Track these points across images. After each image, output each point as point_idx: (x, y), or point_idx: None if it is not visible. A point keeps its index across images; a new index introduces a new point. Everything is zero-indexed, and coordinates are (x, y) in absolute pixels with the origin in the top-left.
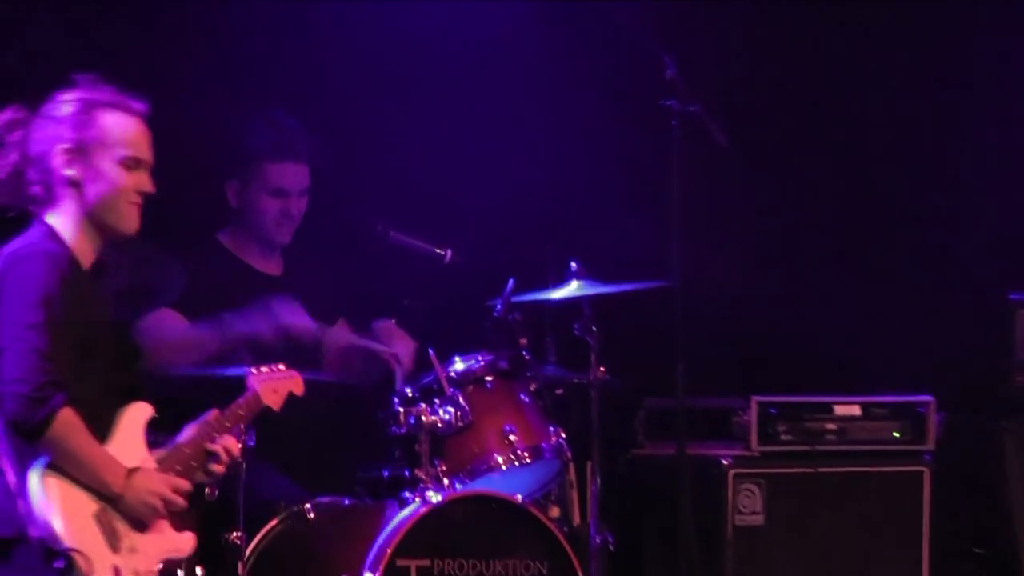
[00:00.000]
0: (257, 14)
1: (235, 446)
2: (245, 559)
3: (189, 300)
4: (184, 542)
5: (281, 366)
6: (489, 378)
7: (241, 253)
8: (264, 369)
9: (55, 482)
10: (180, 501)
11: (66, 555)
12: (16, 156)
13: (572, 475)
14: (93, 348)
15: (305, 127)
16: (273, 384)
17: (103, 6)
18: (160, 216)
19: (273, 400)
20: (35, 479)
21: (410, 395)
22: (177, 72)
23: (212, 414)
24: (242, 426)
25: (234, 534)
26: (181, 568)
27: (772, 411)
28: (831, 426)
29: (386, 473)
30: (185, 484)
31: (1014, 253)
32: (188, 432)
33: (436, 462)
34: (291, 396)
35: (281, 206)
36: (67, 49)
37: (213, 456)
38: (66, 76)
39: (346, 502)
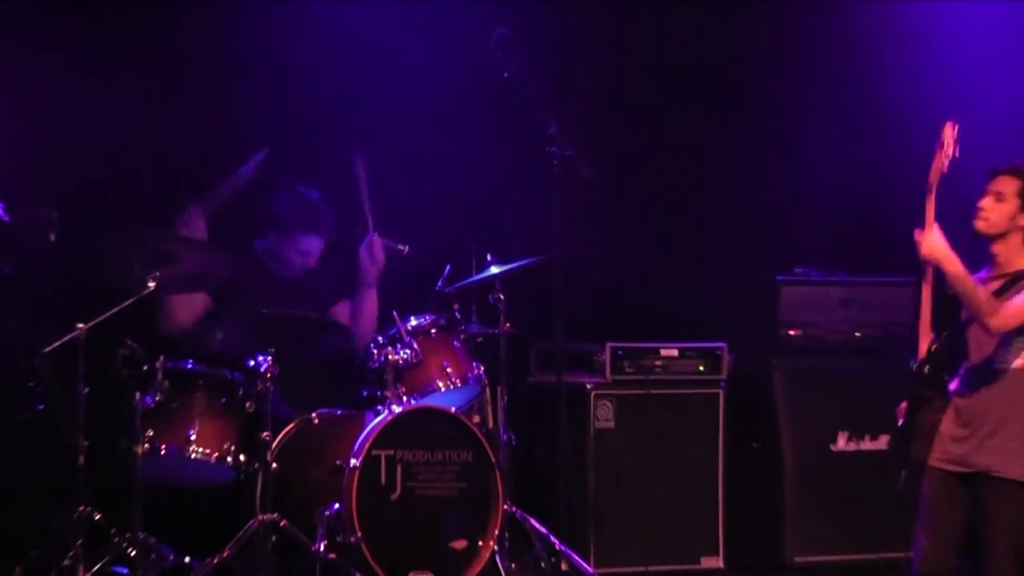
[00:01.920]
0: (266, 67)
1: None
2: (272, 450)
3: (224, 288)
4: None
5: None
6: (433, 330)
7: (268, 262)
8: None
9: None
10: None
11: None
12: None
13: (488, 395)
14: None
15: (325, 200)
16: None
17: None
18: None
19: None
20: None
21: (381, 342)
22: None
23: None
24: None
25: (264, 434)
26: (231, 456)
27: (620, 353)
28: (658, 363)
29: (365, 393)
30: None
31: (786, 246)
32: None
33: (398, 386)
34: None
35: (303, 262)
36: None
37: None
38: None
39: (339, 412)
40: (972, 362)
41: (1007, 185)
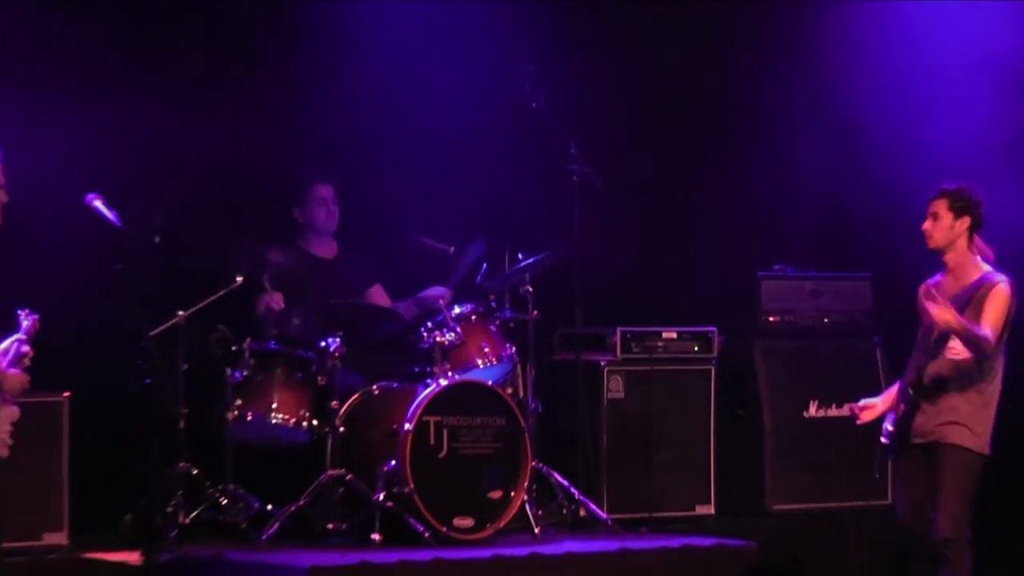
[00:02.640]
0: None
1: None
2: (339, 416)
3: (283, 276)
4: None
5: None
6: (473, 317)
7: (310, 248)
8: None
9: None
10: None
11: None
12: None
13: (519, 370)
14: None
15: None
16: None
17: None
18: (266, 229)
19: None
20: None
21: (430, 326)
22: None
23: (20, 339)
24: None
25: (333, 403)
26: (305, 421)
27: (628, 335)
28: (660, 343)
29: (416, 369)
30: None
31: (767, 246)
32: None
33: (444, 363)
34: None
35: (326, 209)
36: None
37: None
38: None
39: (395, 385)
40: (924, 357)
41: (938, 206)
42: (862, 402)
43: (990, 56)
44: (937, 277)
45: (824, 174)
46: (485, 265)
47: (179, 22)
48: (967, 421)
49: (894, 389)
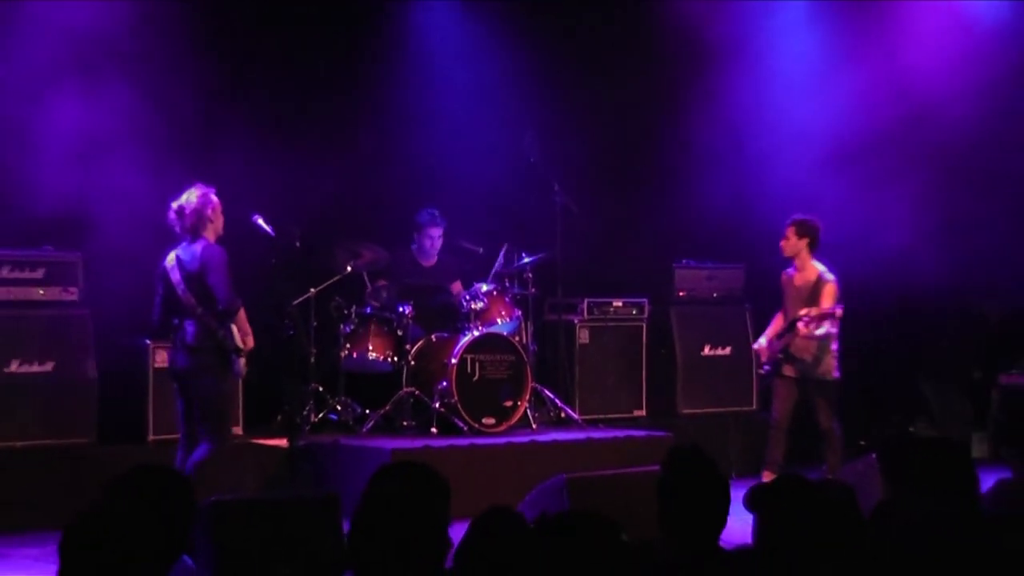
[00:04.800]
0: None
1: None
2: (411, 355)
3: (393, 272)
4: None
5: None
6: (495, 292)
7: (419, 259)
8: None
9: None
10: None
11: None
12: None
13: (523, 326)
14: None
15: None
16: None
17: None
18: (390, 240)
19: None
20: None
21: (468, 298)
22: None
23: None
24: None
25: (407, 346)
26: (390, 358)
27: (591, 303)
28: (612, 309)
29: (459, 325)
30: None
31: (678, 247)
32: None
33: (476, 321)
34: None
35: (432, 244)
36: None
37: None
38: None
39: (445, 335)
40: (792, 330)
41: (788, 231)
42: (756, 345)
43: (824, 123)
44: (791, 270)
45: (715, 198)
46: (501, 259)
47: (309, 98)
48: (825, 360)
49: (767, 336)
